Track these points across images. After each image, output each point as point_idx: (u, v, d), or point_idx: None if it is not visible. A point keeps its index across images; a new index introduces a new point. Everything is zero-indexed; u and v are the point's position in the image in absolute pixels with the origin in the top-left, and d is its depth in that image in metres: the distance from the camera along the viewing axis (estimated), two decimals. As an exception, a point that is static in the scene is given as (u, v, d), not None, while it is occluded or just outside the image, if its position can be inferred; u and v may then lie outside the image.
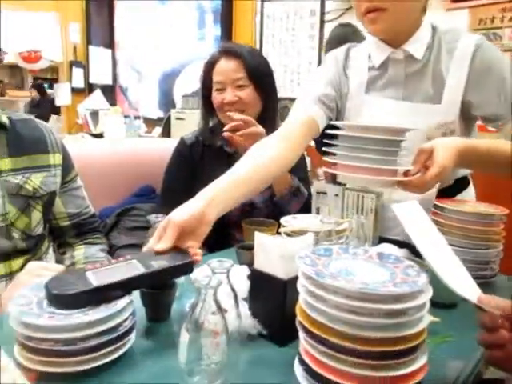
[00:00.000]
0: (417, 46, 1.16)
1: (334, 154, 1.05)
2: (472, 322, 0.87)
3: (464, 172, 1.28)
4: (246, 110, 1.50)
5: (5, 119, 1.13)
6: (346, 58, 1.30)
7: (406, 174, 1.00)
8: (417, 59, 1.17)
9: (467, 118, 1.18)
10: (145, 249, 0.87)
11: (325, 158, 1.06)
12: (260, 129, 1.36)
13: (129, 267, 0.78)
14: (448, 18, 2.84)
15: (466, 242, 1.04)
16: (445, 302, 0.93)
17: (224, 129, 1.38)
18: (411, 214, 0.81)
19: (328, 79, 1.28)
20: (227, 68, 1.50)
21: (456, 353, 0.79)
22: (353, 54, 1.30)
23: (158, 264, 0.79)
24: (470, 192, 1.32)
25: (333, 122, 1.11)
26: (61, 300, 0.70)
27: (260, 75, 1.53)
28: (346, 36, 2.45)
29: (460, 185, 1.28)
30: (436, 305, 0.86)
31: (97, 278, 0.73)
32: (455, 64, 1.15)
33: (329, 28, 3.38)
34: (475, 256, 1.04)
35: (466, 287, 0.70)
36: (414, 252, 1.14)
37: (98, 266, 0.78)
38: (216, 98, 1.52)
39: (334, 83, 1.28)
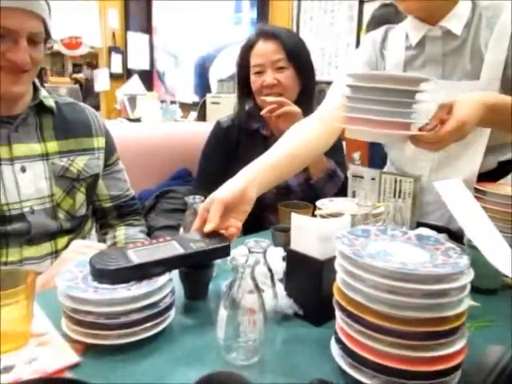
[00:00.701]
0: (455, 21, 1.13)
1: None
2: (513, 308, 0.86)
3: (508, 155, 1.23)
4: (285, 93, 1.49)
5: (52, 103, 1.17)
6: (384, 39, 1.28)
7: (421, 129, 0.89)
8: (455, 35, 1.13)
9: (508, 94, 1.14)
10: (192, 230, 0.88)
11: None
12: (296, 109, 1.36)
13: (168, 248, 0.80)
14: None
15: (508, 228, 1.01)
16: (486, 287, 0.91)
17: (261, 112, 1.39)
18: (454, 191, 0.79)
19: (364, 61, 1.27)
20: (266, 50, 1.49)
21: (496, 338, 0.77)
22: (390, 35, 1.27)
23: (196, 246, 0.81)
24: None
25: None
26: (103, 274, 0.73)
27: (299, 57, 1.52)
28: (388, 16, 2.37)
29: (504, 168, 1.24)
30: (477, 290, 0.85)
31: (137, 256, 0.76)
32: (495, 39, 1.10)
33: (368, 9, 3.30)
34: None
35: (508, 265, 0.68)
36: (453, 237, 1.13)
37: (139, 245, 0.81)
38: (255, 81, 1.52)
39: (370, 64, 1.27)
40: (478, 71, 1.12)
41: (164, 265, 0.77)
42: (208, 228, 0.84)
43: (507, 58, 1.10)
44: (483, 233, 0.74)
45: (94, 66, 5.61)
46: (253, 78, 1.53)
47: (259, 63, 1.50)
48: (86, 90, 5.53)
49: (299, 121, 1.18)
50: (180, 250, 0.79)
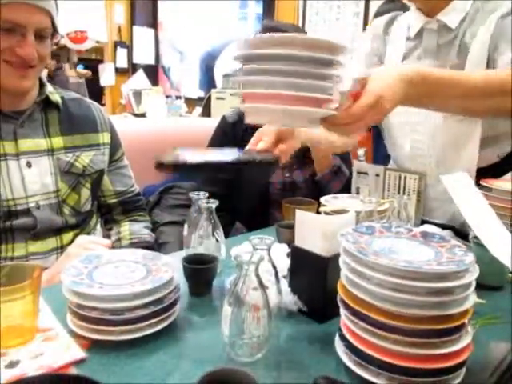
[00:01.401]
0: (452, 15, 1.13)
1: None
2: (519, 304, 0.86)
3: (508, 148, 1.22)
4: None
5: (58, 98, 1.17)
6: (389, 25, 1.30)
7: (336, 108, 0.73)
8: (450, 29, 1.14)
9: None
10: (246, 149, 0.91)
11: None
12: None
13: (220, 155, 0.83)
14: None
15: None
16: (491, 284, 0.91)
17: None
18: (460, 184, 0.78)
19: (366, 50, 1.31)
20: None
21: (501, 335, 0.77)
22: (396, 23, 1.29)
23: (245, 157, 0.84)
24: None
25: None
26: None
27: None
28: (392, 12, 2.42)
29: (507, 163, 1.23)
30: (482, 287, 0.84)
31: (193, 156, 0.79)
32: (482, 30, 1.09)
33: (374, 5, 3.28)
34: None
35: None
36: (458, 234, 1.13)
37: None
38: None
39: (375, 52, 1.30)
40: (463, 67, 1.12)
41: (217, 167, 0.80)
42: (260, 146, 0.87)
43: (489, 55, 1.08)
44: (488, 227, 0.73)
45: (99, 60, 5.61)
46: None
47: None
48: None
49: None
50: (232, 157, 0.81)
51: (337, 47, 0.70)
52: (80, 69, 5.33)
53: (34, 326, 0.70)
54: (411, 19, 1.22)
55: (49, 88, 1.16)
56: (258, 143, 0.89)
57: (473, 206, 0.76)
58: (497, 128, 1.15)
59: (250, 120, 0.76)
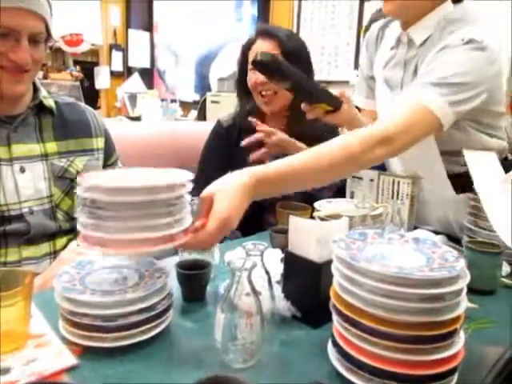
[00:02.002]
0: (419, 31, 1.14)
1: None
2: (511, 308, 0.86)
3: (503, 152, 1.23)
4: (279, 91, 1.49)
5: (52, 103, 1.17)
6: (381, 32, 1.33)
7: (186, 230, 0.74)
8: (415, 45, 1.16)
9: None
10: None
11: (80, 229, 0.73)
12: (282, 136, 1.38)
13: None
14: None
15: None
16: (483, 288, 0.91)
17: (244, 142, 1.40)
18: (482, 162, 0.79)
19: (363, 63, 1.38)
20: (262, 48, 1.49)
21: (494, 339, 0.77)
22: (387, 31, 1.31)
23: None
24: None
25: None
26: None
27: (295, 57, 1.51)
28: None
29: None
30: (474, 291, 0.85)
31: None
32: (428, 60, 1.10)
33: (369, 8, 3.29)
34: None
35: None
36: (451, 239, 1.13)
37: None
38: (250, 78, 1.53)
39: (366, 63, 1.36)
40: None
41: None
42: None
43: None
44: (499, 206, 0.74)
45: (95, 63, 5.61)
46: (249, 75, 1.53)
47: None
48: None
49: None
50: None
51: (173, 186, 0.72)
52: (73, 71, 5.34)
53: (26, 332, 0.70)
54: (394, 30, 1.25)
55: (43, 93, 1.16)
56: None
57: (489, 185, 0.77)
58: (454, 145, 1.15)
59: (106, 255, 0.81)
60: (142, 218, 0.69)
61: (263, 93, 1.50)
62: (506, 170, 1.23)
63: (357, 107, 1.41)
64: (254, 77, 1.51)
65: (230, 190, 0.75)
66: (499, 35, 1.21)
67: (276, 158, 0.88)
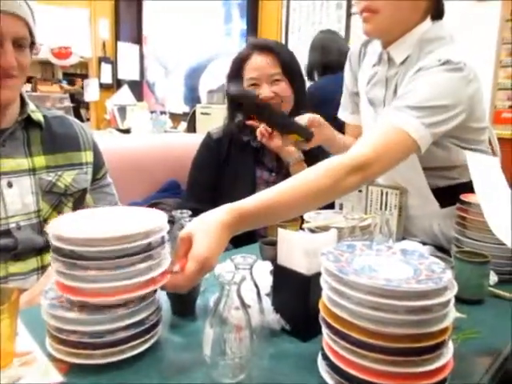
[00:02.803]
0: (400, 50, 1.14)
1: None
2: (500, 318, 0.87)
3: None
4: (283, 102, 1.51)
5: (40, 117, 1.16)
6: (363, 49, 1.33)
7: (165, 272, 0.73)
8: (396, 63, 1.16)
9: None
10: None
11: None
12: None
13: None
14: (480, 9, 2.77)
15: (493, 238, 1.02)
16: (472, 298, 0.92)
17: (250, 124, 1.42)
18: (484, 166, 0.80)
19: (347, 79, 1.38)
20: (262, 64, 1.50)
21: (483, 349, 0.78)
22: (369, 48, 1.31)
23: None
24: None
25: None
26: None
27: (293, 70, 1.54)
28: (326, 42, 2.70)
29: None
30: (462, 301, 0.85)
31: None
32: (406, 81, 1.10)
33: (356, 21, 3.34)
34: (503, 252, 1.02)
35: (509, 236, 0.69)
36: (439, 249, 1.14)
37: None
38: None
39: (350, 81, 1.37)
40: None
41: None
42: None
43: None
44: (498, 210, 0.75)
45: (84, 75, 5.61)
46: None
47: (255, 76, 1.51)
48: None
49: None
50: None
51: (145, 234, 0.71)
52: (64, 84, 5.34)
53: (12, 350, 0.69)
54: (375, 47, 1.25)
55: (31, 106, 1.15)
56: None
57: (489, 188, 0.77)
58: (436, 162, 1.16)
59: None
60: (119, 266, 0.68)
61: None
62: None
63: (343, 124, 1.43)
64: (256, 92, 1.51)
65: (209, 230, 0.73)
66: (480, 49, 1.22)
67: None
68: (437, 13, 1.14)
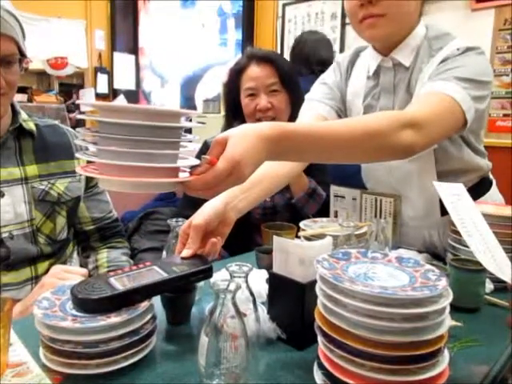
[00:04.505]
0: (405, 53, 1.14)
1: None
2: (496, 326, 0.87)
3: (481, 173, 1.24)
4: (278, 116, 1.51)
5: (32, 126, 1.16)
6: (351, 63, 1.29)
7: (191, 172, 0.69)
8: (405, 67, 1.15)
9: None
10: (176, 253, 0.88)
11: (78, 155, 0.71)
12: None
13: (150, 273, 0.79)
14: (473, 19, 2.80)
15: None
16: (468, 306, 0.91)
17: None
18: (453, 193, 0.80)
19: (329, 83, 1.30)
20: (260, 74, 1.50)
21: (480, 357, 0.77)
22: (358, 61, 1.28)
23: (179, 269, 0.80)
24: (493, 196, 1.28)
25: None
26: (85, 304, 0.71)
27: (291, 80, 1.54)
28: (306, 43, 2.43)
29: (480, 187, 1.24)
30: (459, 309, 0.85)
31: (120, 284, 0.74)
32: (426, 69, 1.10)
33: (350, 31, 3.36)
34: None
35: (501, 268, 0.69)
36: (435, 257, 1.14)
37: (120, 272, 0.79)
38: (248, 104, 1.52)
39: (336, 85, 1.30)
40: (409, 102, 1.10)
41: (148, 290, 0.75)
42: (185, 254, 0.84)
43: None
44: (478, 235, 0.75)
45: (80, 85, 5.62)
46: (246, 101, 1.53)
47: (252, 86, 1.51)
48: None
49: None
50: (162, 275, 0.78)
51: (178, 113, 0.69)
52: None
53: (5, 360, 0.68)
54: (369, 58, 1.22)
55: (23, 116, 1.15)
56: (184, 248, 0.85)
57: (464, 214, 0.78)
58: (450, 164, 1.16)
59: (102, 187, 0.75)
60: (144, 145, 0.63)
61: (262, 119, 1.50)
62: (485, 189, 1.25)
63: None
64: (253, 103, 1.51)
65: (247, 136, 0.68)
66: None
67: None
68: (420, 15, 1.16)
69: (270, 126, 0.71)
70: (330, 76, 1.31)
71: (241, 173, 0.67)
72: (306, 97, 1.32)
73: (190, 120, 3.05)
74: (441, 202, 1.14)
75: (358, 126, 0.82)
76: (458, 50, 1.05)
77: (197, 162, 0.69)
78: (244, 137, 0.68)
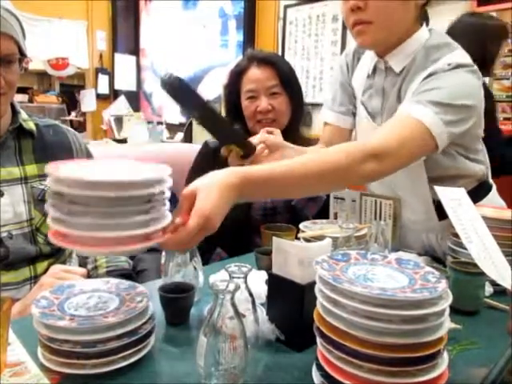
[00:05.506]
0: (399, 59, 1.12)
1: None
2: (495, 329, 0.87)
3: (477, 178, 1.23)
4: (278, 118, 1.51)
5: (32, 126, 1.16)
6: (357, 57, 1.29)
7: (164, 230, 0.71)
8: (394, 72, 1.13)
9: None
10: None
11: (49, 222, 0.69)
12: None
13: None
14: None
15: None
16: (467, 309, 0.91)
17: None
18: (454, 197, 0.80)
19: (336, 85, 1.32)
20: (260, 76, 1.50)
21: (479, 360, 0.77)
22: (362, 60, 1.28)
23: None
24: (493, 200, 1.28)
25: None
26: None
27: (292, 83, 1.54)
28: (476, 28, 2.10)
29: (478, 192, 1.22)
30: (458, 312, 0.85)
31: None
32: (416, 80, 1.07)
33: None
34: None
35: (501, 274, 0.69)
36: (436, 260, 1.14)
37: None
38: (248, 106, 1.52)
39: (343, 87, 1.31)
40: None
41: None
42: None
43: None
44: (478, 241, 0.75)
45: (81, 86, 5.63)
46: (246, 103, 1.53)
47: (253, 88, 1.50)
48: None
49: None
50: None
51: (150, 182, 0.69)
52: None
53: (2, 360, 0.68)
54: (369, 57, 1.22)
55: (23, 115, 1.15)
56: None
57: (464, 219, 0.77)
58: (442, 171, 1.15)
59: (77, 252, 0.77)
60: (115, 216, 0.64)
61: (263, 121, 1.50)
62: (484, 194, 1.25)
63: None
64: (253, 105, 1.51)
65: (214, 188, 0.71)
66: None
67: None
68: (424, 19, 1.14)
69: (235, 175, 0.74)
70: (337, 76, 1.33)
71: (211, 225, 0.70)
72: (324, 104, 1.37)
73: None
74: (438, 206, 1.15)
75: (317, 165, 0.84)
76: (448, 65, 1.03)
77: (169, 219, 0.71)
78: (211, 190, 0.71)
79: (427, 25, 1.15)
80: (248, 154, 1.09)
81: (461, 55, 1.07)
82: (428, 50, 1.09)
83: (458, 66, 1.02)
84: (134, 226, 0.66)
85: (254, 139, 1.13)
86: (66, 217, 0.65)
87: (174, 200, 2.11)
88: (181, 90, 0.95)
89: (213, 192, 0.70)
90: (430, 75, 1.04)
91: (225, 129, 1.09)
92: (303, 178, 0.83)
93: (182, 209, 0.71)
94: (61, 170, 0.67)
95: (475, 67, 1.04)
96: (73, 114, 5.68)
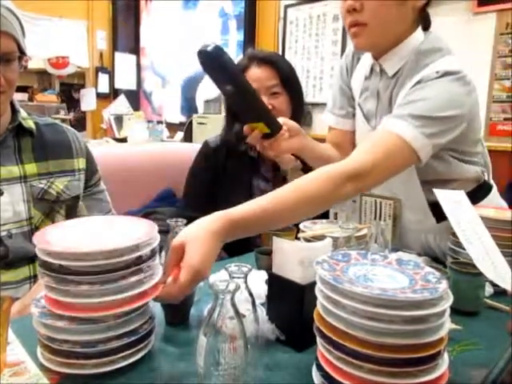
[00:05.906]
0: (392, 61, 1.12)
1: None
2: (496, 329, 0.87)
3: (474, 179, 1.22)
4: (278, 117, 1.50)
5: (31, 125, 1.16)
6: (356, 57, 1.29)
7: (157, 283, 0.73)
8: (388, 75, 1.14)
9: None
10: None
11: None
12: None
13: None
14: (475, 23, 2.80)
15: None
16: (467, 309, 0.91)
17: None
18: (453, 200, 0.80)
19: (335, 88, 1.33)
20: (261, 75, 1.49)
21: (479, 361, 0.77)
22: (361, 61, 1.28)
23: None
24: (493, 201, 1.27)
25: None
26: None
27: (292, 82, 1.53)
28: None
29: (478, 193, 1.22)
30: (458, 312, 0.85)
31: None
32: (407, 86, 1.08)
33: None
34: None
35: (501, 275, 0.69)
36: (435, 260, 1.14)
37: None
38: None
39: (341, 90, 1.32)
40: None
41: None
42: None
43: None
44: (477, 243, 0.75)
45: (81, 85, 5.62)
46: None
47: None
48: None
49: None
50: None
51: (140, 245, 0.71)
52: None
53: (2, 360, 0.68)
54: (367, 58, 1.22)
55: (22, 114, 1.15)
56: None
57: (463, 221, 0.77)
58: (436, 174, 1.15)
59: None
60: (111, 281, 0.67)
61: None
62: (484, 195, 1.24)
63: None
64: None
65: (201, 239, 0.72)
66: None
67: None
68: (425, 23, 1.13)
69: (219, 220, 0.75)
70: (337, 80, 1.34)
71: (203, 276, 0.72)
72: (326, 107, 1.38)
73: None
74: (436, 207, 1.14)
75: (298, 196, 0.84)
76: (436, 73, 1.02)
77: (160, 272, 0.74)
78: (198, 241, 0.72)
79: (428, 28, 1.15)
80: (273, 133, 1.11)
81: (450, 62, 1.06)
82: (419, 55, 1.09)
83: (446, 74, 1.02)
84: (129, 286, 0.69)
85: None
86: (59, 286, 0.67)
87: (173, 200, 2.12)
88: (219, 60, 0.94)
89: (199, 243, 0.72)
90: (418, 83, 1.04)
91: (258, 104, 1.09)
92: (287, 210, 0.84)
93: (172, 261, 0.73)
94: (48, 237, 0.69)
95: (463, 73, 1.03)
96: (69, 113, 5.67)
